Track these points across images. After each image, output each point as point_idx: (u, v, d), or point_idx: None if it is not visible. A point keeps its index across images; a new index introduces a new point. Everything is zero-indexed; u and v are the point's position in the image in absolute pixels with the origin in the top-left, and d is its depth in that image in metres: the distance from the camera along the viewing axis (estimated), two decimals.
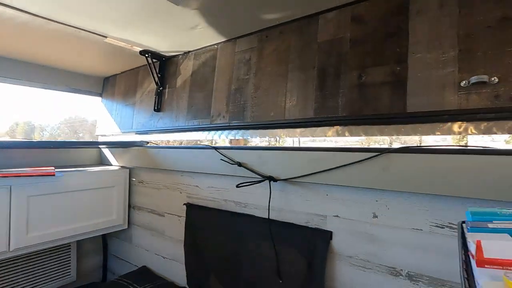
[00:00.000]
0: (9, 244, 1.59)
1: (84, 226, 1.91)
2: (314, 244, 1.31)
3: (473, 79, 0.95)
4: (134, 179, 2.20)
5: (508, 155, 0.88)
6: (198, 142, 2.04)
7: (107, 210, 2.05)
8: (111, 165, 2.33)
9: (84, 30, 1.64)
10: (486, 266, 0.42)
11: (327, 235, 1.27)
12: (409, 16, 1.13)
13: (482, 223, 0.52)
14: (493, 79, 0.93)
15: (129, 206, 2.21)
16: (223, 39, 1.75)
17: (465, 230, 0.53)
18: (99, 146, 2.42)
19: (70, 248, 2.18)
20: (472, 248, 0.45)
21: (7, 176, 1.59)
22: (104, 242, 2.39)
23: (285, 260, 1.38)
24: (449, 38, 1.03)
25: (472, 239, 0.46)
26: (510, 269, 0.40)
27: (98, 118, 2.77)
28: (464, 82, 0.98)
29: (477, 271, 0.43)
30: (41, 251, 2.01)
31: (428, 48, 1.07)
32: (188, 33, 1.67)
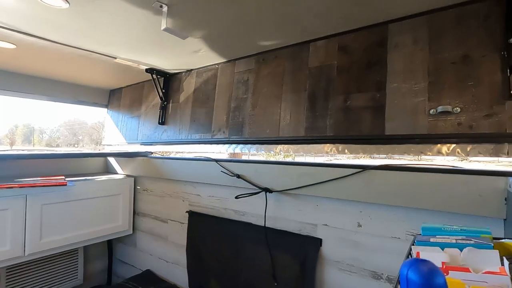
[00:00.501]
0: (24, 249, 1.72)
1: (92, 232, 2.04)
2: (306, 250, 1.45)
3: (440, 108, 1.10)
4: (139, 187, 2.34)
5: (471, 174, 1.03)
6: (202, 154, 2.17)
7: (113, 216, 2.19)
8: (117, 173, 2.46)
9: (96, 52, 1.79)
10: None
11: (318, 242, 1.41)
12: (388, 49, 1.28)
13: (427, 237, 0.66)
14: (456, 109, 1.08)
15: (134, 212, 2.34)
16: (224, 60, 1.91)
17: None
18: (106, 156, 2.56)
19: (77, 253, 2.31)
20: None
21: (23, 186, 1.72)
22: (110, 247, 2.52)
23: (280, 264, 1.52)
24: (420, 71, 1.18)
25: (414, 250, 0.60)
26: None
27: (104, 128, 2.91)
28: (432, 110, 1.13)
29: None
30: (51, 256, 2.14)
31: (403, 78, 1.22)
32: (191, 55, 1.82)
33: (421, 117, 1.16)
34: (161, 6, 1.17)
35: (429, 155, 1.13)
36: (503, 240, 0.61)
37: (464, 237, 0.63)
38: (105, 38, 1.57)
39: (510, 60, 0.98)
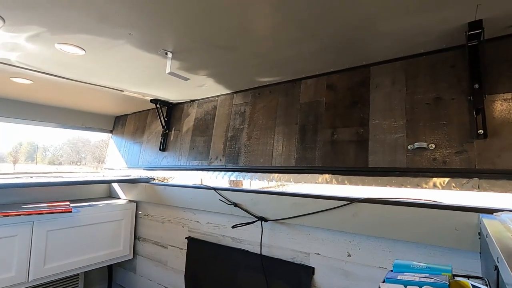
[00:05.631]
0: (28, 275, 1.78)
1: (93, 257, 2.10)
2: (299, 278, 1.50)
3: (416, 144, 1.21)
4: (140, 212, 2.41)
5: (448, 209, 1.10)
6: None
7: (115, 241, 2.25)
8: (120, 198, 2.55)
9: (106, 87, 1.94)
10: None
11: (310, 271, 1.47)
12: (370, 89, 1.41)
13: (396, 274, 0.74)
14: (430, 145, 1.19)
15: (135, 237, 2.40)
16: (223, 93, 2.05)
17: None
18: (110, 182, 2.65)
19: (78, 278, 2.34)
20: None
21: (31, 214, 1.81)
22: (110, 272, 2.55)
23: None
24: (398, 110, 1.30)
25: (382, 287, 0.68)
26: None
27: (107, 153, 3.03)
28: (410, 146, 1.24)
29: None
30: (53, 281, 2.18)
31: (383, 116, 1.34)
32: (195, 89, 1.97)
33: (400, 152, 1.26)
34: (166, 53, 1.33)
35: (408, 187, 1.22)
36: (459, 279, 0.69)
37: (427, 274, 0.71)
38: (115, 77, 1.73)
39: (476, 104, 1.10)
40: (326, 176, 1.46)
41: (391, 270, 0.83)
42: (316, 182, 1.49)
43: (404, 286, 0.66)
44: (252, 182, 1.83)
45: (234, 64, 1.50)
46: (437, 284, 0.65)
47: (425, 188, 1.17)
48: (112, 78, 1.76)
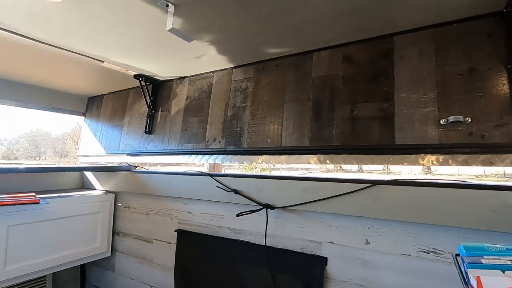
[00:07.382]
0: None
1: (65, 255, 1.79)
2: (310, 270, 1.35)
3: (451, 118, 1.11)
4: (120, 204, 2.13)
5: (481, 189, 1.02)
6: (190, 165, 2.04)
7: (90, 237, 1.95)
8: (95, 189, 2.23)
9: (83, 55, 1.64)
10: None
11: (323, 261, 1.33)
12: (394, 61, 1.29)
13: (475, 258, 0.62)
14: (467, 119, 1.09)
15: (114, 232, 2.12)
16: (220, 68, 1.84)
17: (461, 264, 0.61)
18: (83, 170, 2.32)
19: (45, 280, 2.01)
20: (473, 283, 0.53)
21: None
22: (83, 271, 2.23)
23: (282, 286, 1.40)
24: (428, 82, 1.19)
25: (472, 274, 0.54)
26: None
27: (80, 138, 2.67)
28: (443, 120, 1.14)
29: None
30: (15, 285, 1.83)
31: (411, 89, 1.23)
32: (189, 61, 1.72)
33: (431, 127, 1.16)
34: (167, 6, 1.09)
35: (440, 165, 1.12)
36: None
37: None
38: (96, 39, 1.44)
39: None
40: (345, 156, 1.32)
41: (457, 255, 0.70)
42: (332, 163, 1.35)
43: (502, 272, 0.54)
44: (258, 164, 1.66)
45: (242, 26, 1.30)
46: None
47: (461, 165, 1.08)
48: (92, 41, 1.47)
